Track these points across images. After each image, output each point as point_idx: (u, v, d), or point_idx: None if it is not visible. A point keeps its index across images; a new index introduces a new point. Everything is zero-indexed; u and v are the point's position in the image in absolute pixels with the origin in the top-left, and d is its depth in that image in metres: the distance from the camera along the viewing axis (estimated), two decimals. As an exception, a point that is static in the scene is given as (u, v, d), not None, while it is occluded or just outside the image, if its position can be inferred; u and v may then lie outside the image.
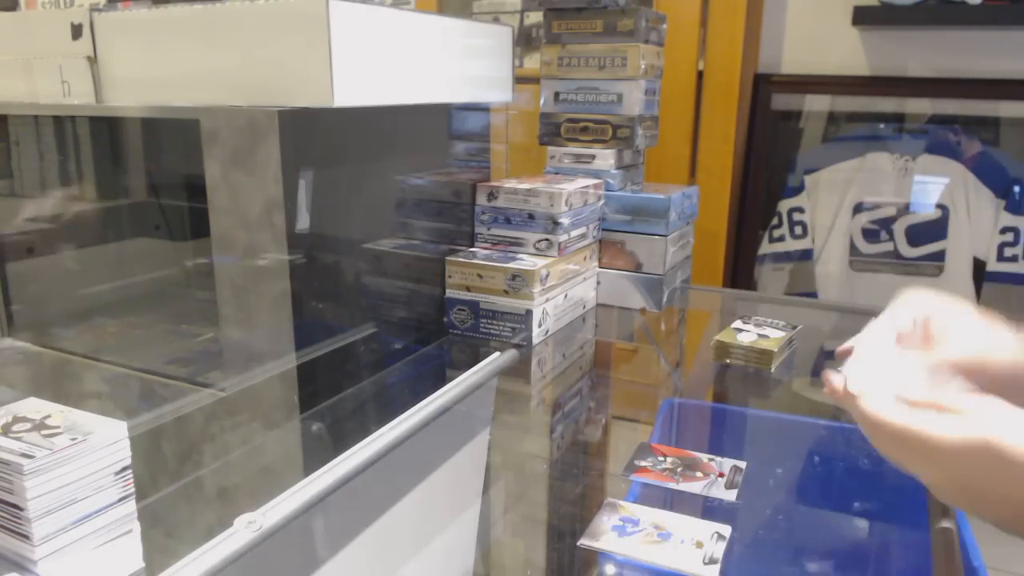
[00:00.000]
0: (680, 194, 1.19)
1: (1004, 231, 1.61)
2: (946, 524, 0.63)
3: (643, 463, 0.75)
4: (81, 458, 0.48)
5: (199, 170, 0.81)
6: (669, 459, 0.76)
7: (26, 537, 0.47)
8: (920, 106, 1.69)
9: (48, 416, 0.51)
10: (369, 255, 0.94)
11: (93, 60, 0.87)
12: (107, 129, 1.12)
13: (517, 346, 1.00)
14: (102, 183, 1.14)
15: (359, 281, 0.93)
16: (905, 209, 1.68)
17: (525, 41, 2.01)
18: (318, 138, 0.83)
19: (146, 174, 1.15)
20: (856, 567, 0.65)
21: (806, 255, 1.76)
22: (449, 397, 0.83)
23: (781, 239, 1.78)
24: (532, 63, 1.94)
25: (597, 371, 1.07)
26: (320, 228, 0.83)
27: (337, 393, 0.87)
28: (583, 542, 0.62)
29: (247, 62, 0.78)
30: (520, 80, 1.13)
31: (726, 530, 0.63)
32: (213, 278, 0.83)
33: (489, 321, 1.02)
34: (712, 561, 0.59)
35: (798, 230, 1.76)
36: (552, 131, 1.22)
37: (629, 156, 1.22)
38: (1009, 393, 0.59)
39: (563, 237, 1.05)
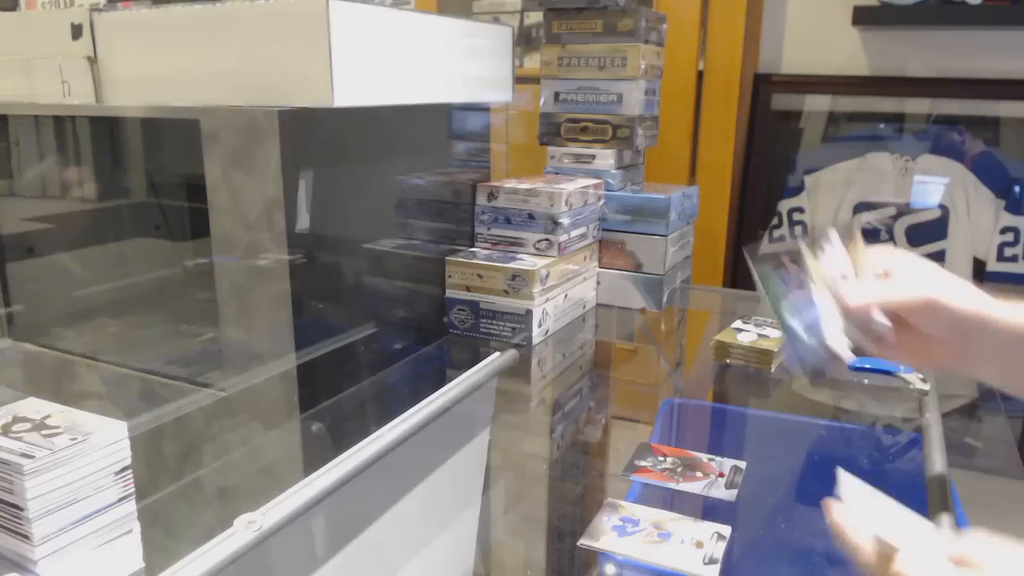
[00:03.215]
0: (680, 194, 1.19)
1: (1004, 231, 1.61)
2: (946, 524, 0.63)
3: (643, 463, 0.75)
4: (81, 458, 0.48)
5: (199, 170, 0.81)
6: (669, 459, 0.76)
7: (26, 537, 0.46)
8: (920, 106, 1.69)
9: (48, 416, 0.51)
10: (369, 255, 0.94)
11: (93, 60, 0.87)
12: (107, 129, 1.12)
13: (517, 346, 1.00)
14: (102, 183, 1.14)
15: (359, 281, 0.93)
16: (905, 209, 1.68)
17: (525, 41, 2.01)
18: (318, 138, 0.83)
19: (146, 174, 1.15)
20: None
21: (806, 255, 1.76)
22: (449, 397, 0.83)
23: (781, 239, 1.78)
24: (532, 63, 1.94)
25: (597, 371, 1.07)
26: (320, 228, 0.83)
27: (337, 393, 0.87)
28: (583, 542, 0.62)
29: (247, 62, 0.78)
30: (520, 80, 1.13)
31: (726, 530, 0.63)
32: (213, 278, 0.83)
33: (489, 321, 1.02)
34: (712, 561, 0.59)
35: (798, 230, 1.76)
36: (552, 131, 1.22)
37: (629, 156, 1.22)
38: (956, 339, 0.60)
39: (563, 237, 1.05)
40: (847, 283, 0.60)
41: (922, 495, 0.69)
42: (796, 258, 0.61)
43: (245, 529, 0.57)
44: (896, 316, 0.60)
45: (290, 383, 0.82)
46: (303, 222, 0.80)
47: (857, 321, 0.59)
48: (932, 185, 1.67)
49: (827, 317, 0.59)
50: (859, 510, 0.46)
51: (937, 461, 0.73)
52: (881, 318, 0.60)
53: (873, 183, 1.70)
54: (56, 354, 0.99)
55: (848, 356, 0.59)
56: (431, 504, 0.75)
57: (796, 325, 0.59)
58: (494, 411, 0.92)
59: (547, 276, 1.01)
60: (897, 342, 0.64)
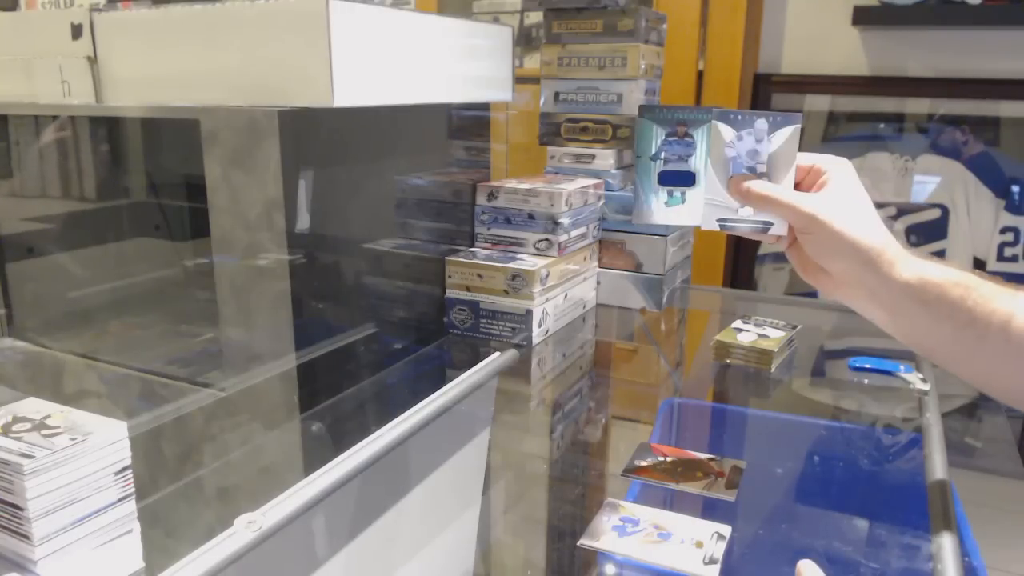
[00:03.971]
0: (680, 194, 1.19)
1: (1004, 231, 1.61)
2: (946, 524, 0.63)
3: (643, 463, 0.75)
4: (81, 458, 0.48)
5: (199, 170, 0.81)
6: (669, 459, 0.76)
7: (26, 537, 0.47)
8: (920, 106, 1.69)
9: (48, 416, 0.51)
10: (369, 255, 0.94)
11: (93, 60, 0.87)
12: (107, 129, 1.12)
13: (517, 346, 1.00)
14: (102, 183, 1.14)
15: (359, 281, 0.93)
16: (905, 208, 1.68)
17: (525, 41, 2.01)
18: (318, 138, 0.83)
19: (146, 174, 1.15)
20: (856, 567, 0.65)
21: (806, 255, 1.76)
22: (449, 397, 0.83)
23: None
24: (532, 63, 1.94)
25: (597, 371, 1.07)
26: (320, 228, 0.83)
27: (337, 393, 0.87)
28: (583, 542, 0.62)
29: (247, 62, 0.78)
30: (520, 80, 1.13)
31: (726, 530, 0.63)
32: (213, 278, 0.83)
33: (489, 321, 1.02)
34: (712, 561, 0.59)
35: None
36: (552, 131, 1.22)
37: (629, 156, 1.22)
38: (835, 269, 0.60)
39: (563, 237, 1.05)
40: (745, 175, 0.63)
41: (922, 495, 0.69)
42: (692, 129, 0.66)
43: (245, 529, 0.57)
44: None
45: (290, 383, 0.82)
46: (303, 222, 0.80)
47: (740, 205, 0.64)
48: (932, 185, 1.67)
49: (700, 191, 0.66)
50: None
51: (937, 461, 0.74)
52: (767, 216, 0.63)
53: (873, 183, 1.70)
54: (56, 354, 0.99)
55: (709, 226, 0.66)
56: (431, 504, 0.75)
57: (643, 184, 0.67)
58: (494, 411, 0.92)
59: (547, 276, 1.01)
60: (790, 251, 0.65)
